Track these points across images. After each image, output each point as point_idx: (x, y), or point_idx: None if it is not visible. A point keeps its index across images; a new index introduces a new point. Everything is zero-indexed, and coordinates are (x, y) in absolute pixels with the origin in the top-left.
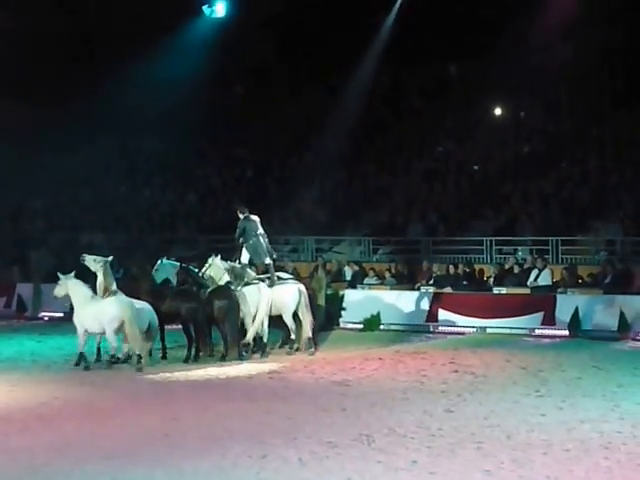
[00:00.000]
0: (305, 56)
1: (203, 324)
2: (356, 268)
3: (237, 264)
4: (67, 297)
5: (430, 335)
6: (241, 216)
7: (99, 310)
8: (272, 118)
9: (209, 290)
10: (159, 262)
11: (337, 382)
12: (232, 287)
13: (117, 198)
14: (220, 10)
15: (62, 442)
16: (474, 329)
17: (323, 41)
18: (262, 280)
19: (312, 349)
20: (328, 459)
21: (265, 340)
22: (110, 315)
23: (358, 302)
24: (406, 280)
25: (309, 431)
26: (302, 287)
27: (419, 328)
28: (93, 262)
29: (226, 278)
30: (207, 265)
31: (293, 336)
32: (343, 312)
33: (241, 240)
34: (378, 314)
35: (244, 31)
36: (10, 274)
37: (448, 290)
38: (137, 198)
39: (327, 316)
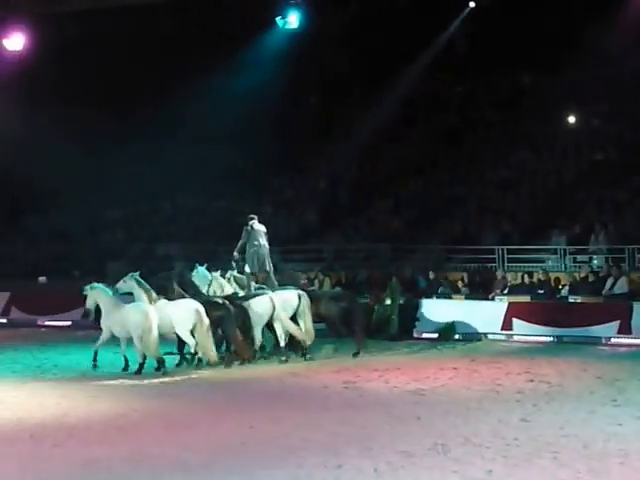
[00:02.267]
0: (379, 67)
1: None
2: (430, 277)
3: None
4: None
5: (505, 344)
6: (249, 225)
7: (123, 317)
8: (345, 128)
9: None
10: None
11: (411, 391)
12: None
13: (194, 209)
14: (293, 21)
15: (140, 453)
16: (549, 338)
17: (395, 52)
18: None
19: (284, 358)
20: (403, 469)
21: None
22: (135, 322)
23: (433, 311)
24: (480, 289)
25: (384, 441)
26: (302, 293)
27: (494, 337)
28: (123, 284)
29: (229, 289)
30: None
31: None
32: (417, 322)
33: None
34: (453, 323)
35: (318, 42)
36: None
37: (523, 299)
38: (213, 209)
39: (401, 326)
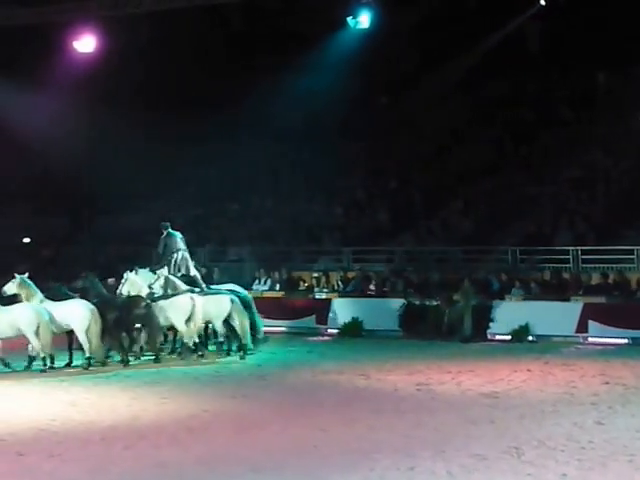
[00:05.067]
0: (448, 65)
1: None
2: (503, 279)
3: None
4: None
5: (580, 346)
6: (164, 232)
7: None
8: (417, 128)
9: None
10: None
11: (485, 394)
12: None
13: (263, 210)
14: (365, 21)
15: (211, 455)
16: (625, 340)
17: (465, 50)
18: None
19: (242, 353)
20: (477, 472)
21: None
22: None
23: (506, 313)
24: (554, 290)
25: (457, 443)
26: (234, 297)
27: (569, 339)
28: (10, 285)
29: (146, 290)
30: (123, 280)
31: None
32: (491, 323)
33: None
34: (526, 325)
35: (389, 41)
36: None
37: (598, 300)
38: (283, 210)
39: (475, 327)
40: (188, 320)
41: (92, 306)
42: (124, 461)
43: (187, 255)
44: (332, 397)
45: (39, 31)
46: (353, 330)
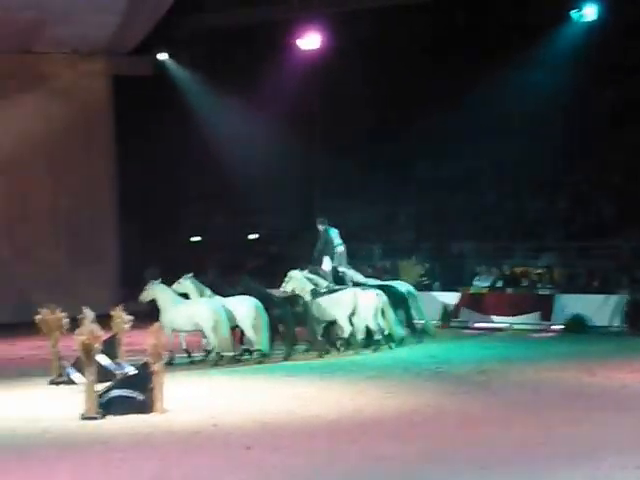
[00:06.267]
0: None
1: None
2: None
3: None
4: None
5: None
6: (321, 227)
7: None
8: None
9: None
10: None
11: None
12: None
13: (485, 206)
14: (590, 13)
15: (435, 450)
16: None
17: None
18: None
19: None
20: None
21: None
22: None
23: None
24: None
25: None
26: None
27: None
28: (179, 285)
29: (309, 287)
30: (287, 278)
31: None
32: None
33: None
34: None
35: (612, 34)
36: None
37: None
38: (505, 206)
39: None
40: (352, 315)
41: (257, 301)
42: (349, 455)
43: (344, 250)
44: (556, 394)
45: (259, 30)
46: (577, 326)
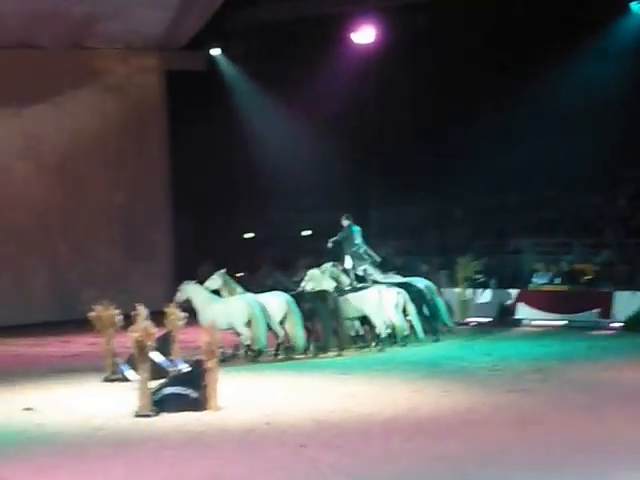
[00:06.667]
0: None
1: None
2: None
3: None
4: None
5: None
6: (345, 223)
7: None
8: None
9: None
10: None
11: None
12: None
13: (543, 201)
14: None
15: (492, 449)
16: None
17: None
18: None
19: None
20: None
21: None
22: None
23: None
24: None
25: None
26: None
27: None
28: (211, 281)
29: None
30: (307, 277)
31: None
32: None
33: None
34: None
35: None
36: (437, 279)
37: None
38: (563, 201)
39: None
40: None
41: (289, 297)
42: (404, 454)
43: (365, 250)
44: (614, 394)
45: (312, 24)
46: (637, 324)
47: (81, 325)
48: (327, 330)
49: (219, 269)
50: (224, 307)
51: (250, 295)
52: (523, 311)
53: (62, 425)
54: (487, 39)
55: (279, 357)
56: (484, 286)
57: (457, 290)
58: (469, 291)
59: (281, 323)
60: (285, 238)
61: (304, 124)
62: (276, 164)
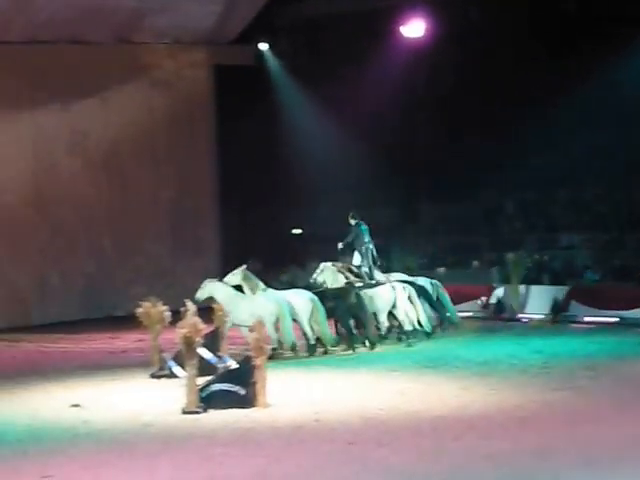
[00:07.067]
0: None
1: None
2: None
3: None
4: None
5: None
6: (352, 222)
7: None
8: None
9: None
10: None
11: None
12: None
13: (595, 197)
14: None
15: (542, 447)
16: None
17: None
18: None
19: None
20: None
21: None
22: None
23: None
24: None
25: None
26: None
27: None
28: (232, 277)
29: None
30: (319, 270)
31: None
32: None
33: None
34: None
35: None
36: (488, 275)
37: None
38: (615, 196)
39: None
40: (393, 309)
41: (313, 295)
42: (454, 452)
43: (372, 248)
44: None
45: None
46: None
47: (128, 321)
48: (347, 327)
49: (265, 264)
50: (250, 305)
51: (274, 292)
52: (575, 307)
53: (109, 422)
54: (537, 33)
55: (310, 355)
56: (536, 282)
57: (509, 286)
58: (521, 287)
59: (307, 321)
60: (334, 233)
61: (351, 119)
62: (324, 160)
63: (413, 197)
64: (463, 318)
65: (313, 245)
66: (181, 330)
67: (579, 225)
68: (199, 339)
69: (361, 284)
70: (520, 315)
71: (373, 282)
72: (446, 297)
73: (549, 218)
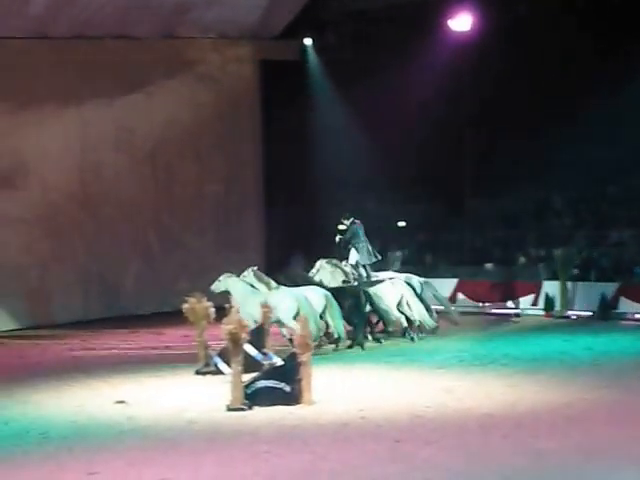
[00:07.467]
0: None
1: None
2: None
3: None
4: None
5: None
6: (347, 222)
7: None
8: None
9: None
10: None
11: None
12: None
13: None
14: None
15: (592, 445)
16: None
17: None
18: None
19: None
20: None
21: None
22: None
23: None
24: None
25: None
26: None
27: None
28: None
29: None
30: (314, 270)
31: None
32: None
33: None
34: None
35: None
36: (536, 272)
37: None
38: None
39: None
40: (399, 306)
41: (326, 292)
42: (502, 450)
43: (367, 246)
44: None
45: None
46: None
47: (174, 317)
48: (356, 324)
49: (310, 259)
50: (269, 301)
51: (288, 289)
52: (625, 304)
53: (154, 418)
54: (586, 27)
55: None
56: (584, 278)
57: (557, 282)
58: (569, 283)
59: (321, 317)
60: (381, 228)
61: (396, 113)
62: (369, 155)
63: (459, 191)
64: (510, 315)
65: None
66: (227, 326)
67: (629, 221)
68: (245, 335)
69: (362, 281)
70: (569, 312)
71: (373, 280)
72: (439, 294)
73: (598, 214)
